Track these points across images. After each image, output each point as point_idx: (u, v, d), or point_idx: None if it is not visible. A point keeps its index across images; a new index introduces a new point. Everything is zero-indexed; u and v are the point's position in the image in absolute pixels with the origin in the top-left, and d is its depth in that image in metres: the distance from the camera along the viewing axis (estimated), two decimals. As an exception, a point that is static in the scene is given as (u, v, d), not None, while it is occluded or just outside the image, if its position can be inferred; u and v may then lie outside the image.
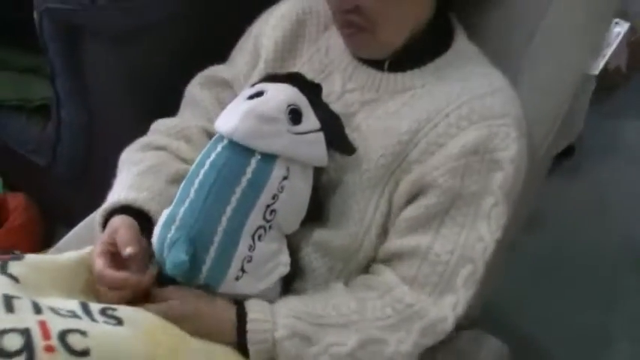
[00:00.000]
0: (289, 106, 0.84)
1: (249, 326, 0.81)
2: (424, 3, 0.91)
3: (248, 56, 1.03)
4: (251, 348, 0.82)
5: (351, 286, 0.89)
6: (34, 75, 1.47)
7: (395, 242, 0.88)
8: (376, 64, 0.93)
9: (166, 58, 1.23)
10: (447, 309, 0.85)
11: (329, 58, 0.98)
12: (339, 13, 0.90)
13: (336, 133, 0.88)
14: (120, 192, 0.91)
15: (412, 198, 0.88)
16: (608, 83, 2.06)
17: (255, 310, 0.83)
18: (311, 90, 0.89)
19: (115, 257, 0.83)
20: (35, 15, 1.20)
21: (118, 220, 0.87)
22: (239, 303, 0.84)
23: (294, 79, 0.89)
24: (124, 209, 0.89)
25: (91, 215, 1.08)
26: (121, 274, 0.81)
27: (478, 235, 0.86)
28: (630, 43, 1.89)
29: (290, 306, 0.84)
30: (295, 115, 0.84)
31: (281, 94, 0.85)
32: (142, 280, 0.82)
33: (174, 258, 0.80)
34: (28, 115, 1.45)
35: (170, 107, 1.06)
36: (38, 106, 1.44)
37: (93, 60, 1.23)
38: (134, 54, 1.20)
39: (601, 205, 1.87)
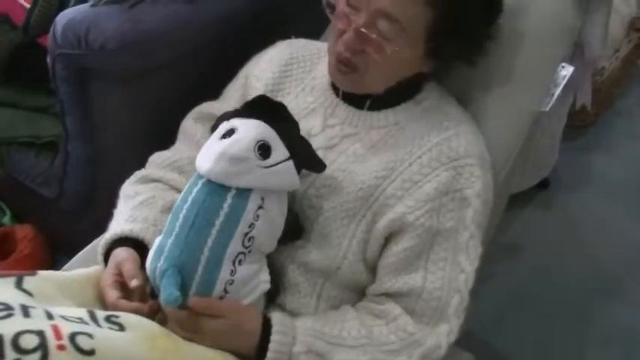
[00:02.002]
0: (258, 142, 0.89)
1: (273, 337, 0.89)
2: (416, 69, 1.00)
3: (237, 95, 1.12)
4: (269, 355, 0.88)
5: (359, 311, 0.96)
6: (43, 114, 1.54)
7: (392, 282, 0.95)
8: (356, 103, 1.02)
9: (168, 97, 1.28)
10: (442, 337, 0.93)
11: (313, 96, 1.07)
12: (346, 51, 0.95)
13: (304, 157, 0.94)
14: (118, 225, 1.00)
15: (391, 235, 0.96)
16: (578, 121, 2.17)
17: (280, 324, 0.90)
18: (276, 110, 0.94)
19: (122, 286, 0.93)
20: (48, 60, 1.27)
21: (122, 254, 0.96)
22: (265, 315, 0.92)
23: (259, 106, 0.94)
24: (123, 240, 0.98)
25: (94, 242, 1.15)
26: (134, 305, 0.90)
27: (460, 267, 0.95)
28: (596, 84, 2.00)
29: (309, 325, 0.92)
30: (264, 151, 0.89)
31: (250, 133, 0.90)
32: (152, 308, 0.91)
33: (168, 296, 0.86)
34: (38, 151, 1.50)
35: (171, 143, 1.14)
36: (47, 142, 1.49)
37: (101, 99, 1.29)
38: (139, 94, 1.27)
39: (574, 233, 1.94)
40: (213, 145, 0.91)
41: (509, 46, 1.06)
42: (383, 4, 0.91)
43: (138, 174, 1.09)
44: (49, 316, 0.80)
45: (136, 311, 0.89)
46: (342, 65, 0.97)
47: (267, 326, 0.90)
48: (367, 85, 0.99)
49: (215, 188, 0.89)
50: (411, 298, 0.94)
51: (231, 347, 0.90)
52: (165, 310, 0.90)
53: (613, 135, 2.27)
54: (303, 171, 0.96)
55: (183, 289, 0.87)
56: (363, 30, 0.92)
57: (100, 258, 0.99)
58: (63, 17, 1.22)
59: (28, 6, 1.46)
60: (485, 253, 1.00)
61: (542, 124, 1.17)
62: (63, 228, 1.62)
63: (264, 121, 0.92)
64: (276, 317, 0.92)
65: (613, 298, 1.77)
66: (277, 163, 0.90)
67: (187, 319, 0.88)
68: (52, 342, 0.74)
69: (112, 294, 0.91)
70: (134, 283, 0.91)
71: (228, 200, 0.88)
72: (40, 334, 0.75)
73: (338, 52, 0.97)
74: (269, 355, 0.89)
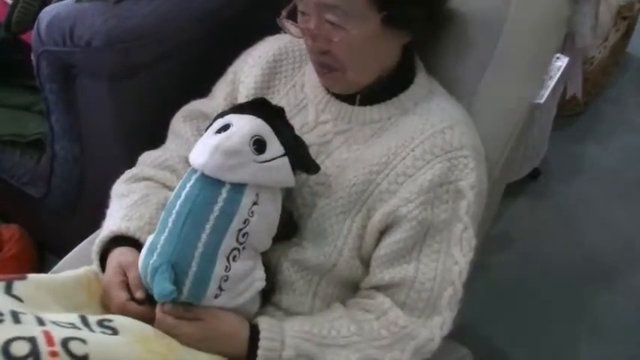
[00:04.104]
0: (253, 137, 0.88)
1: (261, 343, 0.88)
2: (390, 48, 0.99)
3: (226, 92, 1.12)
4: None
5: (349, 307, 0.96)
6: (27, 112, 1.52)
7: (383, 274, 0.94)
8: (347, 99, 1.02)
9: (156, 94, 1.27)
10: (435, 330, 0.93)
11: (304, 93, 1.06)
12: (314, 55, 0.99)
13: (299, 156, 0.93)
14: (114, 223, 0.98)
15: (386, 228, 0.95)
16: (568, 111, 2.18)
17: (267, 329, 0.89)
18: (274, 114, 0.94)
19: (128, 288, 0.92)
20: (33, 57, 1.25)
21: (125, 256, 0.94)
22: (251, 321, 0.90)
23: (258, 106, 0.94)
24: (119, 239, 0.96)
25: (82, 244, 1.15)
26: (141, 310, 0.89)
27: (453, 259, 0.94)
28: (585, 73, 2.01)
29: (297, 327, 0.90)
30: (259, 145, 0.88)
31: (245, 127, 0.89)
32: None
33: (162, 289, 0.85)
34: (22, 150, 1.49)
35: (159, 141, 1.12)
36: (32, 141, 1.48)
37: (87, 97, 1.28)
38: (126, 91, 1.25)
39: (566, 223, 1.95)
40: (208, 140, 0.90)
41: (503, 38, 1.05)
42: None
43: (128, 173, 1.08)
44: (40, 322, 0.78)
45: (142, 316, 0.88)
46: (320, 67, 0.99)
47: (255, 332, 0.89)
48: (353, 80, 0.99)
49: (209, 183, 0.88)
50: (403, 289, 0.93)
51: (213, 351, 0.88)
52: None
53: (603, 123, 2.28)
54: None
55: (177, 285, 0.86)
56: (311, 28, 0.94)
57: (95, 256, 0.97)
58: (47, 13, 1.20)
59: (9, 2, 1.43)
60: (478, 245, 0.99)
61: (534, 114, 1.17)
62: (50, 227, 1.61)
63: (261, 119, 0.91)
64: (263, 322, 0.91)
65: (607, 287, 1.78)
66: (272, 159, 0.89)
67: (165, 322, 0.87)
68: (43, 348, 0.73)
69: (121, 295, 0.90)
70: (139, 294, 0.90)
71: (223, 195, 0.87)
72: (32, 340, 0.74)
73: (312, 58, 1.00)
74: None
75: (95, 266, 0.97)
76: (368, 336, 0.91)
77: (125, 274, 0.92)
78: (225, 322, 0.89)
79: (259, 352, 0.87)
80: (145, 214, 0.98)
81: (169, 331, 0.87)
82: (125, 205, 1.01)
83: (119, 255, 0.95)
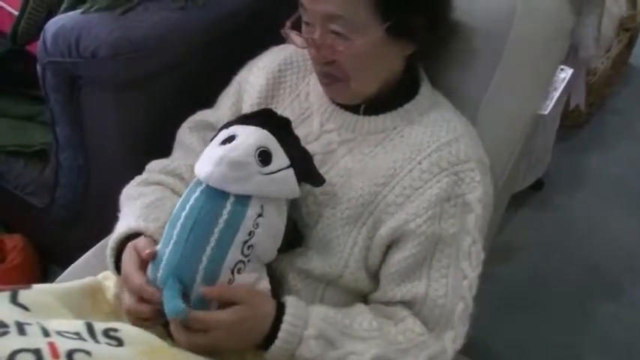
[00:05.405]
0: (258, 148, 0.88)
1: (285, 318, 0.88)
2: (394, 58, 0.99)
3: (231, 102, 1.12)
4: (280, 336, 0.87)
5: (370, 308, 0.96)
6: (31, 122, 1.53)
7: (395, 292, 0.95)
8: (352, 108, 1.02)
9: (161, 105, 1.27)
10: (447, 343, 0.93)
11: (308, 102, 1.06)
12: (318, 65, 0.99)
13: (304, 167, 0.93)
14: (130, 222, 0.98)
15: (393, 243, 0.95)
16: (571, 122, 2.18)
17: (294, 306, 0.90)
18: (280, 125, 0.94)
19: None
20: (38, 67, 1.25)
21: (137, 240, 0.93)
22: (279, 300, 0.91)
23: (264, 117, 0.94)
24: (134, 237, 0.95)
25: (87, 254, 1.16)
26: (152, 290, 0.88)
27: (463, 274, 0.94)
28: (588, 84, 2.01)
29: (322, 311, 0.91)
30: (265, 157, 0.88)
31: (250, 138, 0.89)
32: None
33: (173, 307, 0.84)
34: (27, 160, 1.49)
35: (164, 152, 1.12)
36: (36, 151, 1.48)
37: (91, 108, 1.27)
38: (131, 102, 1.25)
39: (569, 234, 1.95)
40: (213, 151, 0.89)
41: (507, 50, 1.05)
42: (321, 8, 0.92)
43: (138, 179, 1.08)
44: (45, 333, 0.78)
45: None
46: (324, 78, 1.00)
47: (280, 308, 0.90)
48: (356, 90, 0.99)
49: (214, 195, 0.88)
50: (415, 306, 0.94)
51: (248, 333, 0.88)
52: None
53: (606, 134, 2.29)
54: (302, 181, 0.94)
55: (183, 298, 0.86)
56: (316, 38, 0.94)
57: (110, 252, 0.97)
58: (53, 24, 1.20)
59: (15, 13, 1.44)
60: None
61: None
62: (53, 237, 1.60)
63: (266, 130, 0.91)
64: (290, 300, 0.91)
65: (611, 299, 1.78)
66: (277, 171, 0.89)
67: (202, 317, 0.86)
68: None
69: (138, 277, 0.89)
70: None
71: (228, 207, 0.87)
72: (37, 352, 0.73)
73: (316, 69, 1.00)
74: (280, 335, 0.88)
75: (109, 263, 0.97)
76: (386, 337, 0.92)
77: (139, 255, 0.92)
78: (262, 302, 0.89)
79: (283, 326, 0.88)
80: (160, 218, 0.98)
81: (205, 321, 0.86)
82: (140, 206, 1.00)
83: (131, 243, 0.94)
